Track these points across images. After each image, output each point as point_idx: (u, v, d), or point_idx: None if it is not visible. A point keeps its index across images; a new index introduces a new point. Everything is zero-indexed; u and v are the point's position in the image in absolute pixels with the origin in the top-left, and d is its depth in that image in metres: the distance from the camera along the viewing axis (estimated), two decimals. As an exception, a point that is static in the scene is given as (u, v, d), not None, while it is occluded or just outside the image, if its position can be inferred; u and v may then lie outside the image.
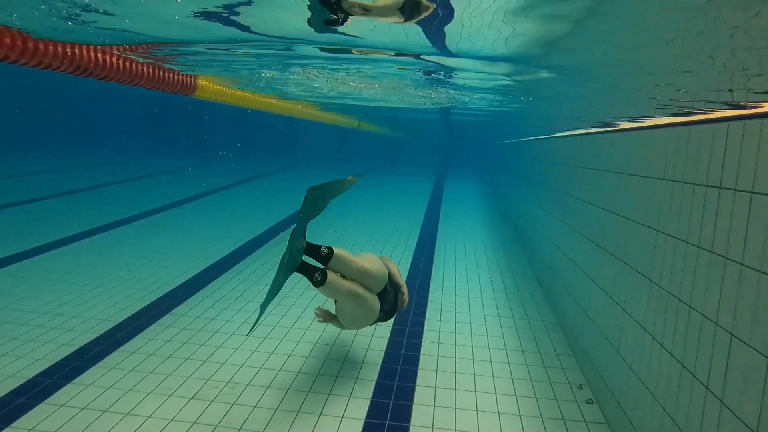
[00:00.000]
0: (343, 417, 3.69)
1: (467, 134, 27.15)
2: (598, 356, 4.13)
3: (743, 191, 2.25)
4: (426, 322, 5.53)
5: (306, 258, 3.78)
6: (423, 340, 5.08)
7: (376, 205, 14.00)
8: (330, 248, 3.82)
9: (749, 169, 2.22)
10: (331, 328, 5.20)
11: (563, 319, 5.45)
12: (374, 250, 8.55)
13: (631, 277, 3.50)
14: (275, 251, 8.20)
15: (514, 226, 10.68)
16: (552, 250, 6.39)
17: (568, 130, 6.60)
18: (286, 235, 9.52)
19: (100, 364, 4.26)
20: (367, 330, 5.23)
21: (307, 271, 3.70)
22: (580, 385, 4.30)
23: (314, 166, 25.54)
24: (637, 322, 3.33)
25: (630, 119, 4.48)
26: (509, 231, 10.75)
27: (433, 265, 7.77)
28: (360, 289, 3.85)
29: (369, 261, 3.99)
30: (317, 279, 3.65)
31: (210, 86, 5.96)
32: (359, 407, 3.83)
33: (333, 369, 4.39)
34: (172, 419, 3.55)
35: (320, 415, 3.70)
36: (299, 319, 5.40)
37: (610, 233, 4.08)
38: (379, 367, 4.48)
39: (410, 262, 8.01)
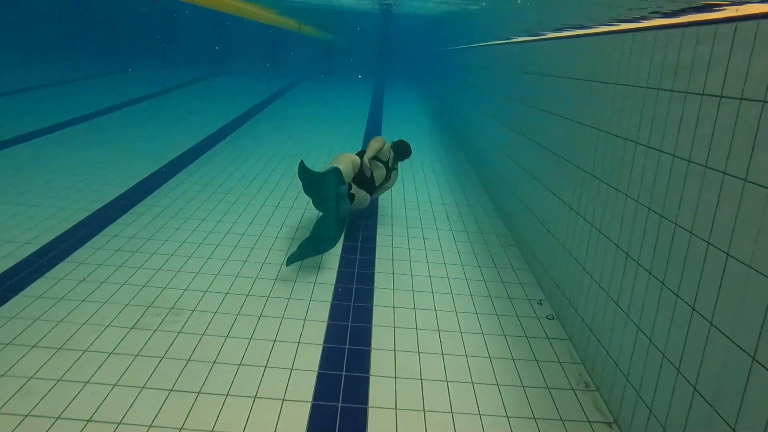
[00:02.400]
0: (299, 342, 3.48)
1: (407, 40, 26.21)
2: (557, 270, 4.05)
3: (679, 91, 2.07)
4: (378, 237, 5.32)
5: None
6: (376, 256, 4.88)
7: (311, 115, 13.45)
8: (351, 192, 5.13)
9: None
10: (277, 248, 4.91)
11: (518, 232, 5.36)
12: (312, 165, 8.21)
13: (595, 187, 3.34)
14: (212, 164, 7.69)
15: (461, 138, 10.47)
16: (502, 159, 6.22)
17: (512, 37, 6.27)
18: (222, 146, 8.96)
19: (23, 293, 3.83)
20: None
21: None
22: (540, 300, 4.24)
23: (246, 72, 24.24)
24: (603, 234, 3.21)
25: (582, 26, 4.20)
26: (455, 143, 10.55)
27: (380, 178, 7.51)
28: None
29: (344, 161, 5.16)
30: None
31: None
32: (317, 331, 3.62)
33: (284, 291, 4.14)
34: (112, 352, 3.23)
35: (274, 341, 3.48)
36: (243, 237, 5.07)
37: (564, 139, 3.89)
38: (332, 287, 4.26)
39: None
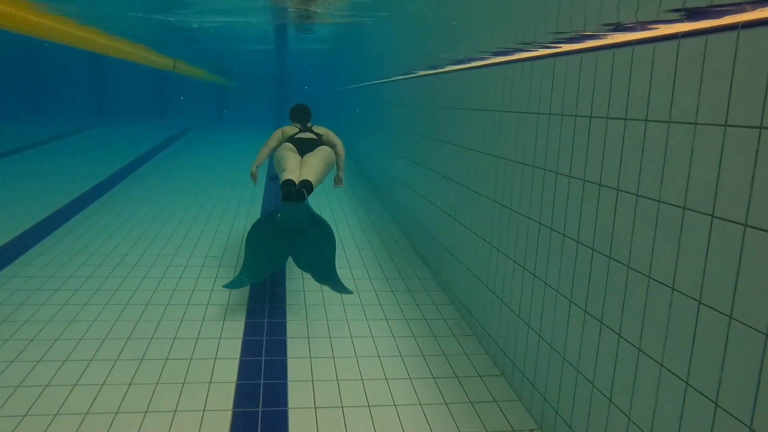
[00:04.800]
0: None
1: (305, 81, 25.09)
2: (548, 380, 2.81)
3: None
4: (288, 341, 3.87)
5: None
6: (288, 356, 3.47)
7: (199, 174, 11.80)
8: (308, 188, 4.21)
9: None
10: (161, 335, 3.36)
11: (471, 312, 4.11)
12: (206, 243, 6.72)
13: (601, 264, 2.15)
14: (78, 232, 5.93)
15: (378, 190, 9.17)
16: (441, 218, 5.03)
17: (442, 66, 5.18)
18: (89, 212, 7.18)
19: None
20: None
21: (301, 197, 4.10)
22: (531, 430, 2.95)
23: (129, 123, 22.15)
24: (630, 343, 2.00)
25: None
26: (374, 196, 9.26)
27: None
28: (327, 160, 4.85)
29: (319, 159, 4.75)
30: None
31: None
32: None
33: (170, 402, 2.62)
34: None
35: None
36: (116, 323, 3.48)
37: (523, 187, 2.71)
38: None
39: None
